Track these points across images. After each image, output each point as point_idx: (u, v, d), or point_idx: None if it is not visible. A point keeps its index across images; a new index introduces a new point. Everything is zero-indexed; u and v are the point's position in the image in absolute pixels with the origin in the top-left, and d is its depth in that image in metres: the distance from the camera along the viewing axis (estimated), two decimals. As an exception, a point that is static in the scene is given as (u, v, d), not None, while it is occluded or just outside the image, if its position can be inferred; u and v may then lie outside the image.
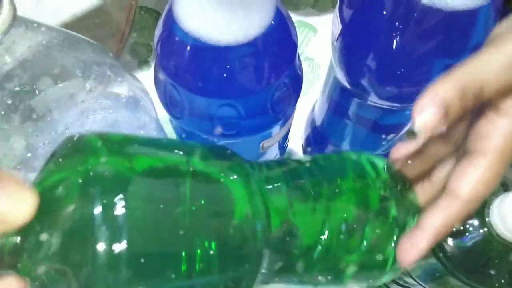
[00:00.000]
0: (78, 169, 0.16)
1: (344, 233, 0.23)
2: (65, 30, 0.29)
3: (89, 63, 0.29)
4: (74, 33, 0.30)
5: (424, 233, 0.22)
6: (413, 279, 0.34)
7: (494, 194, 0.29)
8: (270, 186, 0.22)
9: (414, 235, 0.22)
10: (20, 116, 0.26)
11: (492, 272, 0.29)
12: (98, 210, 0.15)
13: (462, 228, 0.29)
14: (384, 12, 0.27)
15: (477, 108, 0.21)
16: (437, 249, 0.29)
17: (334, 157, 0.26)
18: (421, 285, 0.34)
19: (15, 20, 0.24)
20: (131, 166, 0.17)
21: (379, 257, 0.24)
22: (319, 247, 0.23)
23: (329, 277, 0.24)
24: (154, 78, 0.30)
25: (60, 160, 0.17)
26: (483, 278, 0.29)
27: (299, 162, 0.25)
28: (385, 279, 0.25)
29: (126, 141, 0.19)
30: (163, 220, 0.17)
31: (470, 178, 0.21)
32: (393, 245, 0.24)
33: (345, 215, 0.23)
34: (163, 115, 0.34)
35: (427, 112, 0.19)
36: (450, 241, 0.29)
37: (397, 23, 0.27)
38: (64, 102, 0.27)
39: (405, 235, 0.23)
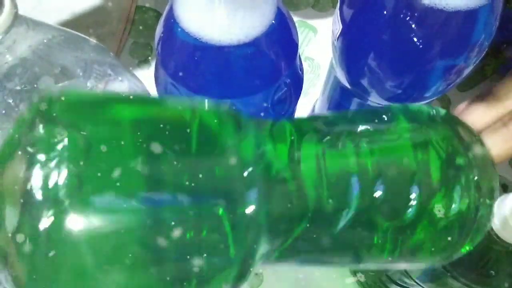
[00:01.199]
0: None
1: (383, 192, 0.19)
2: (66, 29, 0.29)
3: (90, 63, 0.29)
4: (75, 32, 0.30)
5: None
6: (413, 280, 0.34)
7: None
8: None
9: None
10: (20, 115, 0.26)
11: (491, 273, 0.29)
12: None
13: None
14: (385, 12, 0.27)
15: None
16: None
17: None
18: (420, 286, 0.34)
19: (16, 19, 0.24)
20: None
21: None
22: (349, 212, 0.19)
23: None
24: (155, 77, 0.30)
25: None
26: (482, 279, 0.29)
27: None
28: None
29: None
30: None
31: None
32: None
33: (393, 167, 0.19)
34: (164, 115, 0.34)
35: None
36: (449, 242, 0.29)
37: (397, 23, 0.27)
38: (64, 101, 0.27)
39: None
